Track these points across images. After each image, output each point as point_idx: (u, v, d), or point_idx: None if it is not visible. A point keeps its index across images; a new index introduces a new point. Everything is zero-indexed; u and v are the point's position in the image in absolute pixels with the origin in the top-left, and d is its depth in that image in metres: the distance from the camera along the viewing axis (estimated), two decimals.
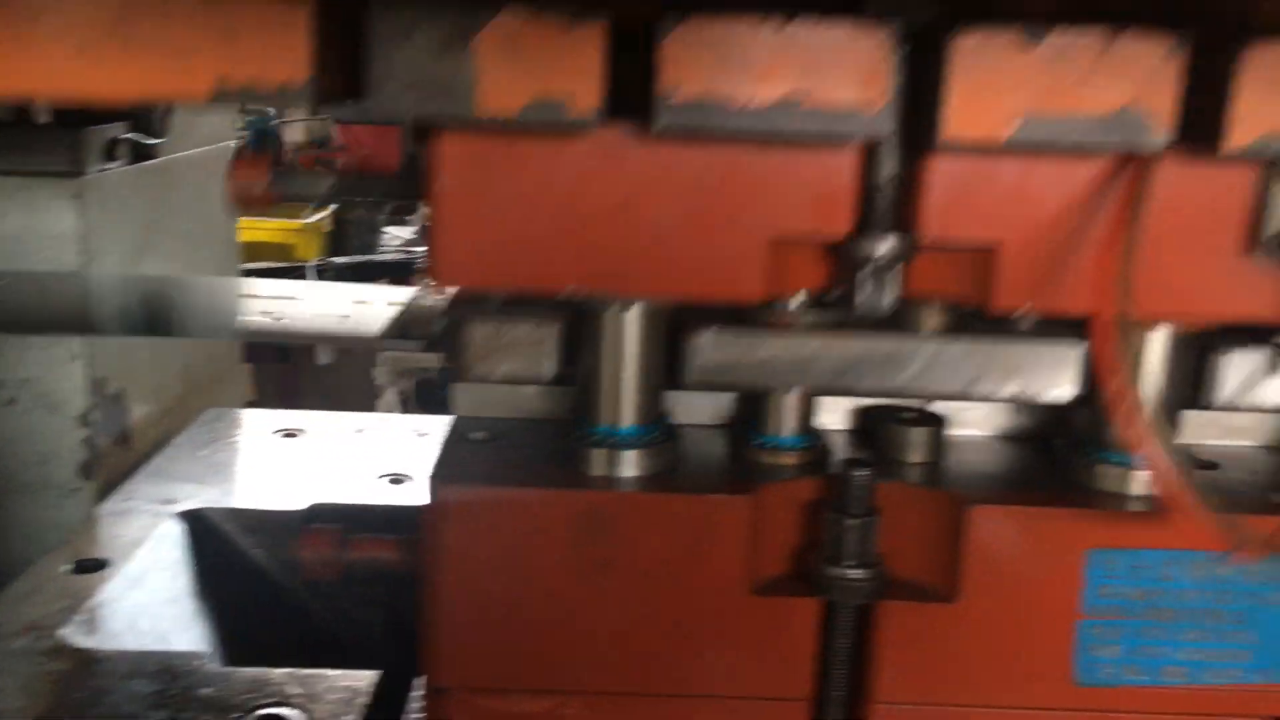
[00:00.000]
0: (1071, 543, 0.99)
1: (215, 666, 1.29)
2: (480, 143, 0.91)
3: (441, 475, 1.02)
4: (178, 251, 2.17)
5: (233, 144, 2.42)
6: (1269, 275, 0.92)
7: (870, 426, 1.14)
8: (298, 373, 4.53)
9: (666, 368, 1.04)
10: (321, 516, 1.12)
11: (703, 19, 0.82)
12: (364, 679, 1.25)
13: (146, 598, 1.49)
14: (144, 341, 2.04)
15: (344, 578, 1.10)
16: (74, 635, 1.34)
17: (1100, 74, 0.83)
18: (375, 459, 1.90)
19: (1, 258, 1.76)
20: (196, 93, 0.81)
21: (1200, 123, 0.86)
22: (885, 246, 0.93)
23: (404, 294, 3.81)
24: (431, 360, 3.99)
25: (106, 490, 1.78)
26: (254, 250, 5.11)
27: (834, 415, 1.17)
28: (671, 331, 1.03)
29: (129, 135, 1.93)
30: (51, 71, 0.80)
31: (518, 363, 1.03)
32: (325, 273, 5.73)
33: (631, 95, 0.85)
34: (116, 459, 1.92)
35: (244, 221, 3.55)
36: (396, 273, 5.79)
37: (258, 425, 2.05)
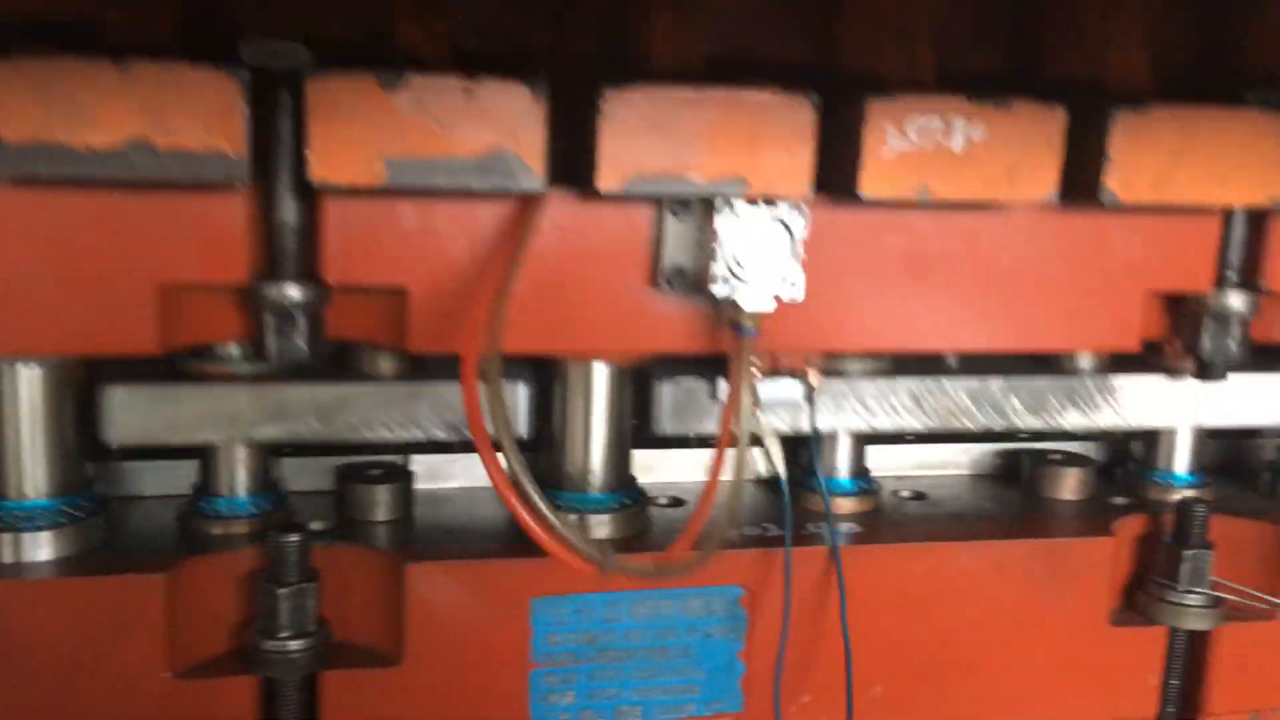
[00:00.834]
0: (516, 593, 0.98)
1: None
2: None
3: None
4: None
5: None
6: (672, 307, 0.95)
7: (340, 485, 1.09)
8: None
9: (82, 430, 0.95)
10: None
11: (28, 61, 0.75)
12: None
13: None
14: None
15: None
16: None
17: (467, 119, 0.82)
18: None
19: None
20: None
21: (580, 166, 0.87)
22: (291, 292, 0.88)
23: None
24: None
25: None
26: None
27: (316, 475, 1.12)
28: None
29: None
30: None
31: None
32: None
33: None
34: None
35: None
36: None
37: None
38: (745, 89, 0.87)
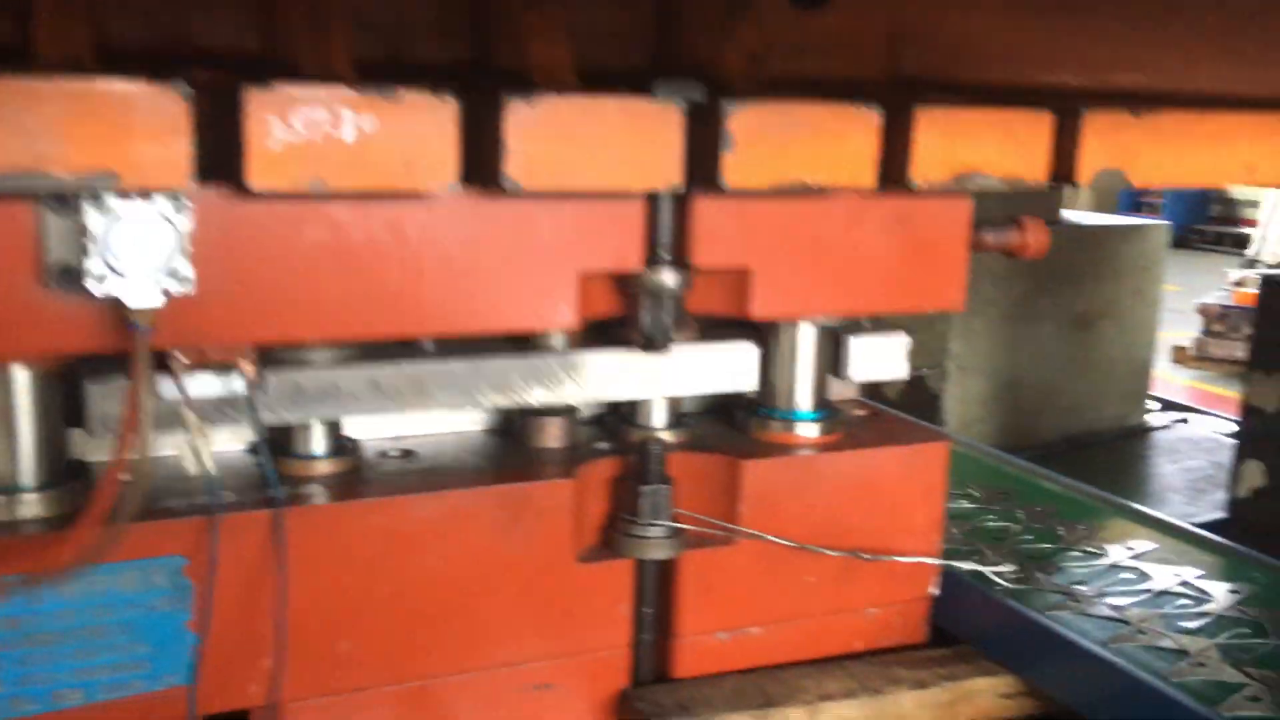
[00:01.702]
0: None
1: None
2: None
3: None
4: None
5: None
6: (67, 306, 0.91)
7: None
8: None
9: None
10: None
11: None
12: None
13: None
14: None
15: None
16: None
17: None
18: None
19: None
20: None
21: None
22: None
23: None
24: None
25: None
26: None
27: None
28: None
29: None
30: None
31: None
32: None
33: None
34: None
35: None
36: None
37: None
38: (108, 78, 0.85)
